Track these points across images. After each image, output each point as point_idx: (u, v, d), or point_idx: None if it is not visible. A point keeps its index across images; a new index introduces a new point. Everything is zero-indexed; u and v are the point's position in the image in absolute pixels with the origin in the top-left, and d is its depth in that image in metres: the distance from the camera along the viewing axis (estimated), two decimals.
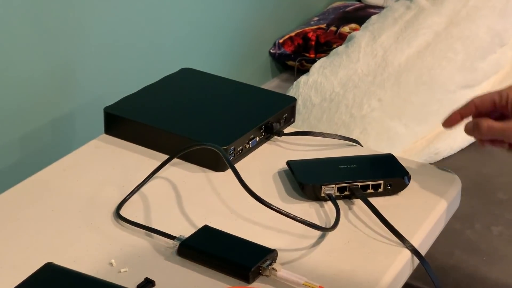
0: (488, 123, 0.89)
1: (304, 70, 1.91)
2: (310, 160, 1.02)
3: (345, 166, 0.99)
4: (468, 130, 0.93)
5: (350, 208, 0.95)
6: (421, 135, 1.57)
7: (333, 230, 0.89)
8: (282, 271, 0.80)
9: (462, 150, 1.60)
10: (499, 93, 0.90)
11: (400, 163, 1.01)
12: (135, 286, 0.79)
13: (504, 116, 0.90)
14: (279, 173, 1.02)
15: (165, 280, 0.81)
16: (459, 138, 1.60)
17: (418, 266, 0.89)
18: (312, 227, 0.87)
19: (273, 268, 0.80)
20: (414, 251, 0.88)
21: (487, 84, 1.65)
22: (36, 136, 1.27)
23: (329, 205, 0.94)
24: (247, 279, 0.80)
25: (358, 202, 0.95)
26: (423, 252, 0.91)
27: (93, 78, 1.38)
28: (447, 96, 1.59)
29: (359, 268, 0.84)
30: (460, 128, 1.61)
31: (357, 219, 0.93)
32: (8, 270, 0.81)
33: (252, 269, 0.80)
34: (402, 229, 0.89)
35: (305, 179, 0.96)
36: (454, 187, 1.02)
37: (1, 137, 1.21)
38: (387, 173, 0.98)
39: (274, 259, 0.82)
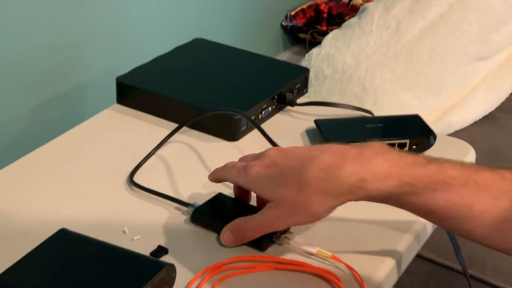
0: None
1: (316, 43, 1.90)
2: (337, 119, 1.02)
3: (372, 125, 1.00)
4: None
5: None
6: (434, 107, 1.56)
7: None
8: (295, 240, 0.80)
9: (475, 122, 1.59)
10: None
11: (426, 123, 1.01)
12: (148, 253, 0.79)
13: None
14: (293, 143, 1.01)
15: (178, 247, 0.80)
16: (472, 111, 1.59)
17: (431, 236, 0.89)
18: None
19: (286, 237, 0.80)
20: None
21: (500, 56, 1.64)
22: (48, 106, 1.26)
23: None
24: (260, 247, 0.80)
25: None
26: None
27: (105, 48, 1.38)
28: (461, 68, 1.58)
29: (373, 237, 0.84)
30: (473, 100, 1.61)
31: None
32: (21, 237, 0.82)
33: (265, 237, 0.80)
34: None
35: (331, 136, 0.96)
36: (469, 157, 1.01)
37: (14, 107, 1.21)
38: (413, 133, 0.98)
39: (287, 227, 0.82)
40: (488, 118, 1.61)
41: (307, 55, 1.72)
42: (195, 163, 0.97)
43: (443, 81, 1.57)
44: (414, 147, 0.97)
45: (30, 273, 0.65)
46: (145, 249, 0.79)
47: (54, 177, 0.93)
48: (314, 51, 1.70)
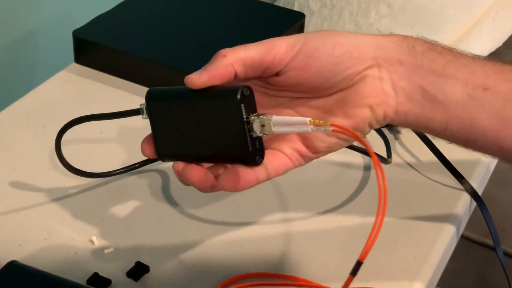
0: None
1: None
2: None
3: None
4: None
5: None
6: None
7: None
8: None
9: None
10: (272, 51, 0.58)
11: None
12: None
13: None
14: None
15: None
16: (477, 47, 1.42)
17: None
18: None
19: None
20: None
21: None
22: None
23: None
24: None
25: None
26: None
27: None
28: None
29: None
30: (478, 36, 1.44)
31: None
32: None
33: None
34: None
35: None
36: None
37: None
38: None
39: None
40: (495, 55, 1.44)
41: None
42: None
43: (445, 14, 1.40)
44: None
45: None
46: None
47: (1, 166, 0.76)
48: None
